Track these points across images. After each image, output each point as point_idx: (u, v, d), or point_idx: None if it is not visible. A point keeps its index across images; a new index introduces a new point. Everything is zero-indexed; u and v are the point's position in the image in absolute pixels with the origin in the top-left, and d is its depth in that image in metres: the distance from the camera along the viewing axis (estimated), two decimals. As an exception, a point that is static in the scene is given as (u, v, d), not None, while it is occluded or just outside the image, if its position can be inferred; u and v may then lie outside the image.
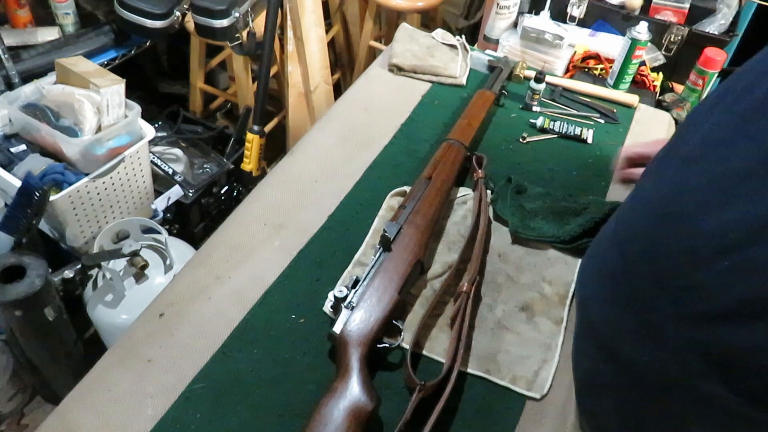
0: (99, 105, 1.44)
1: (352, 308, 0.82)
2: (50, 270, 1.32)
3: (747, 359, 0.42)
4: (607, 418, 0.61)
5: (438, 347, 0.86)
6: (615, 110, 1.32)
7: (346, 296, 0.83)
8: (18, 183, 1.34)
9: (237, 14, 1.81)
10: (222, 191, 1.93)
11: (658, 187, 0.54)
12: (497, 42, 1.60)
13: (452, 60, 1.39)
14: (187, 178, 1.81)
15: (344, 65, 2.59)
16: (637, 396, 0.55)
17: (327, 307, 0.88)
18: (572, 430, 0.78)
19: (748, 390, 0.43)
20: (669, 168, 0.54)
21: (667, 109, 1.46)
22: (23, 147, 1.48)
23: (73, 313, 1.44)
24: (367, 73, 1.39)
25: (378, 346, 0.82)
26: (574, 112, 1.31)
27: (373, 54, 2.30)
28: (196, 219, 1.86)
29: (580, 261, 0.99)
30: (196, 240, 1.83)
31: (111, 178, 1.51)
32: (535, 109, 1.30)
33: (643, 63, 1.48)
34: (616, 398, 0.58)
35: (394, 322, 0.85)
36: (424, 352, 0.86)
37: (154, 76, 2.41)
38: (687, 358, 0.46)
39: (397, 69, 1.37)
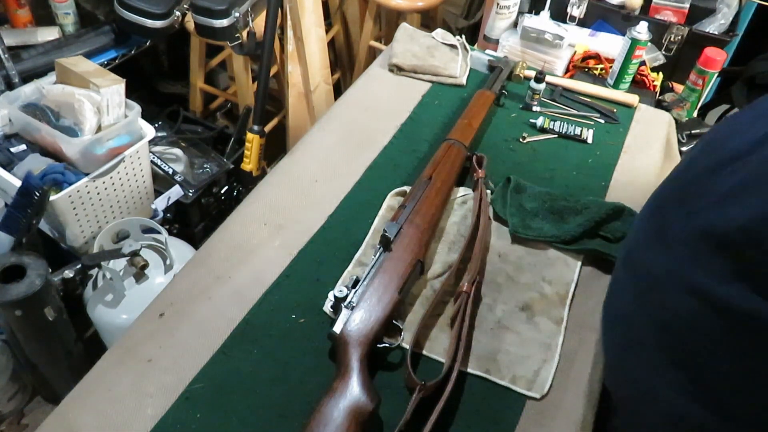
0: (99, 105, 1.44)
1: (352, 308, 0.82)
2: (50, 270, 1.32)
3: (730, 235, 0.52)
4: (614, 325, 0.71)
5: (438, 347, 0.86)
6: (615, 110, 1.32)
7: (346, 296, 0.83)
8: (18, 183, 1.33)
9: (237, 14, 1.81)
10: (222, 191, 1.93)
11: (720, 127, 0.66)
12: (497, 42, 1.60)
13: (452, 60, 1.39)
14: (187, 178, 1.81)
15: (344, 65, 2.59)
16: (632, 292, 0.65)
17: (327, 307, 0.88)
18: (577, 428, 0.78)
19: (729, 271, 0.52)
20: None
21: (667, 109, 1.46)
22: (23, 147, 1.48)
23: (73, 313, 1.44)
24: (367, 73, 1.39)
25: (378, 346, 0.82)
26: (574, 112, 1.31)
27: (373, 54, 2.29)
28: (196, 219, 1.86)
29: (580, 261, 0.99)
30: (196, 240, 1.83)
31: (111, 178, 1.51)
32: (535, 109, 1.30)
33: (643, 63, 1.48)
34: (623, 306, 0.68)
35: (394, 322, 0.85)
36: (424, 352, 0.86)
37: (154, 76, 2.41)
38: (680, 248, 0.57)
39: (397, 69, 1.37)
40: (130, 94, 1.54)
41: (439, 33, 1.45)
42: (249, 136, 1.94)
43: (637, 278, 0.65)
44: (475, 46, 1.51)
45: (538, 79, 1.26)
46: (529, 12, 1.61)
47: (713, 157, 0.58)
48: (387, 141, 1.19)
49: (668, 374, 0.58)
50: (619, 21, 1.59)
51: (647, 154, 1.23)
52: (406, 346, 0.84)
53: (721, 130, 0.63)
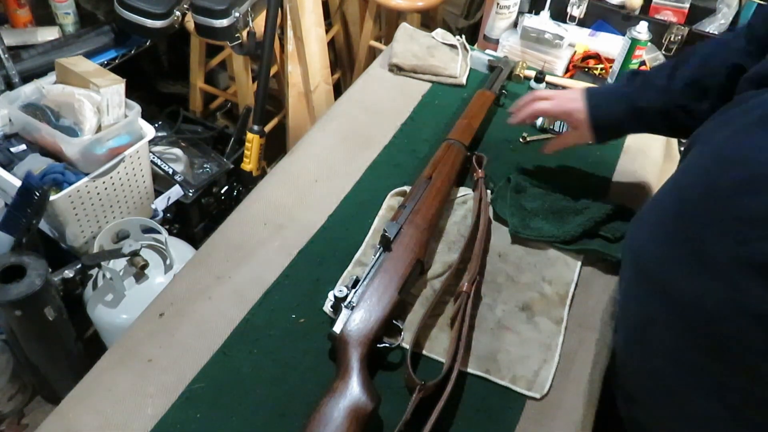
0: (99, 105, 1.44)
1: (352, 308, 0.82)
2: (50, 270, 1.32)
3: None
4: (658, 365, 0.65)
5: (438, 347, 0.86)
6: (615, 110, 1.32)
7: (346, 296, 0.83)
8: (18, 183, 1.34)
9: (237, 14, 1.81)
10: (222, 191, 1.93)
11: (717, 134, 0.61)
12: (497, 42, 1.60)
13: (452, 60, 1.39)
14: (187, 178, 1.81)
15: (344, 65, 2.59)
16: (688, 335, 0.59)
17: (327, 307, 0.88)
18: (577, 428, 0.78)
19: None
20: (729, 122, 0.62)
21: (667, 109, 1.46)
22: (23, 147, 1.48)
23: (73, 313, 1.44)
24: (367, 73, 1.39)
25: (378, 346, 0.82)
26: (574, 112, 1.31)
27: (373, 54, 2.29)
28: (196, 219, 1.86)
29: (580, 261, 0.99)
30: (196, 240, 1.83)
31: (111, 178, 1.51)
32: (535, 109, 1.30)
33: (643, 63, 1.48)
34: (667, 339, 0.63)
35: (394, 322, 0.85)
36: (424, 352, 0.86)
37: (154, 76, 2.41)
38: (735, 277, 0.53)
39: (397, 69, 1.37)
40: (130, 94, 1.54)
41: (439, 33, 1.45)
42: (249, 136, 1.94)
43: (683, 309, 0.60)
44: (475, 46, 1.51)
45: (538, 79, 1.26)
46: (529, 12, 1.62)
47: (738, 172, 0.55)
48: (387, 141, 1.19)
49: (739, 411, 0.56)
50: (619, 21, 1.59)
51: (647, 154, 1.23)
52: (406, 346, 0.84)
53: (730, 139, 0.59)
